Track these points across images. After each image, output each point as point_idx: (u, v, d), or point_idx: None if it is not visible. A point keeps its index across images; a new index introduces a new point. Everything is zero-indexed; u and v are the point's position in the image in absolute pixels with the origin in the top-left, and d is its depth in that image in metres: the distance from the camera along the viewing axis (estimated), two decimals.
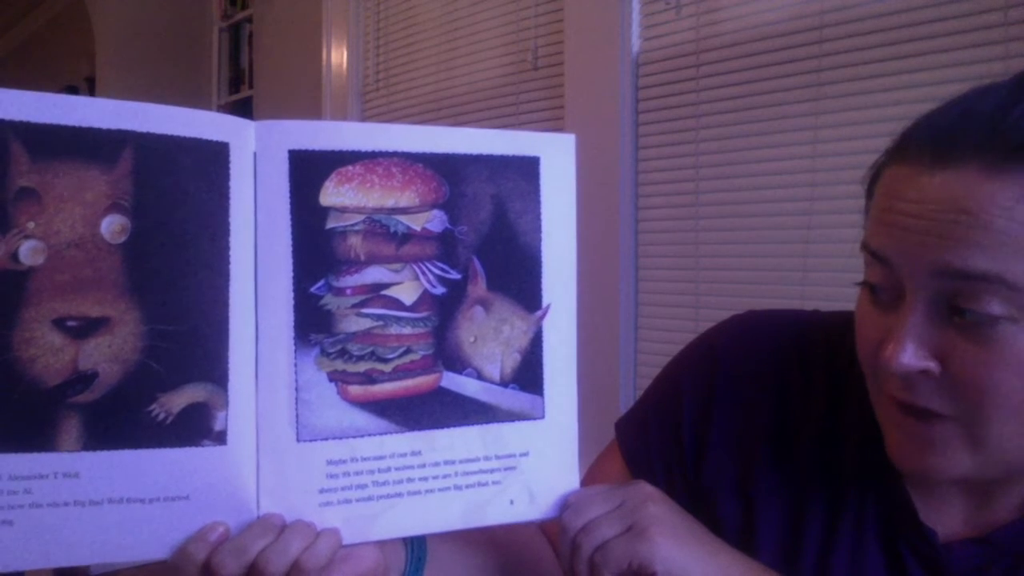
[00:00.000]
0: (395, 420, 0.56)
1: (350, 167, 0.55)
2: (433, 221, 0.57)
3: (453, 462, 0.58)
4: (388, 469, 0.56)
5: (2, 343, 0.47)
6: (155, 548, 0.51)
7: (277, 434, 0.54)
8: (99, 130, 0.49)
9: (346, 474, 0.55)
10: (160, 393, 0.50)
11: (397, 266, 0.56)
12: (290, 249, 0.54)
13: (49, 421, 0.48)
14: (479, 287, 0.58)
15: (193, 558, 0.51)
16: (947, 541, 0.60)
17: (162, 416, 0.50)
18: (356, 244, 0.55)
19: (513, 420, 0.60)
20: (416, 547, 0.61)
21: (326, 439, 0.55)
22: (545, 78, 2.22)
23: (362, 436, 0.56)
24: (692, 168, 1.87)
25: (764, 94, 1.73)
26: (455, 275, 0.58)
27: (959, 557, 0.59)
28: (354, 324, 0.55)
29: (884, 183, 0.55)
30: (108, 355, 0.49)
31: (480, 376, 0.59)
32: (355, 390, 0.55)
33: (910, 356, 0.51)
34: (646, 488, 0.59)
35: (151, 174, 0.50)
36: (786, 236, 1.71)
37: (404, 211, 0.56)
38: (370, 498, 0.56)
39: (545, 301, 0.60)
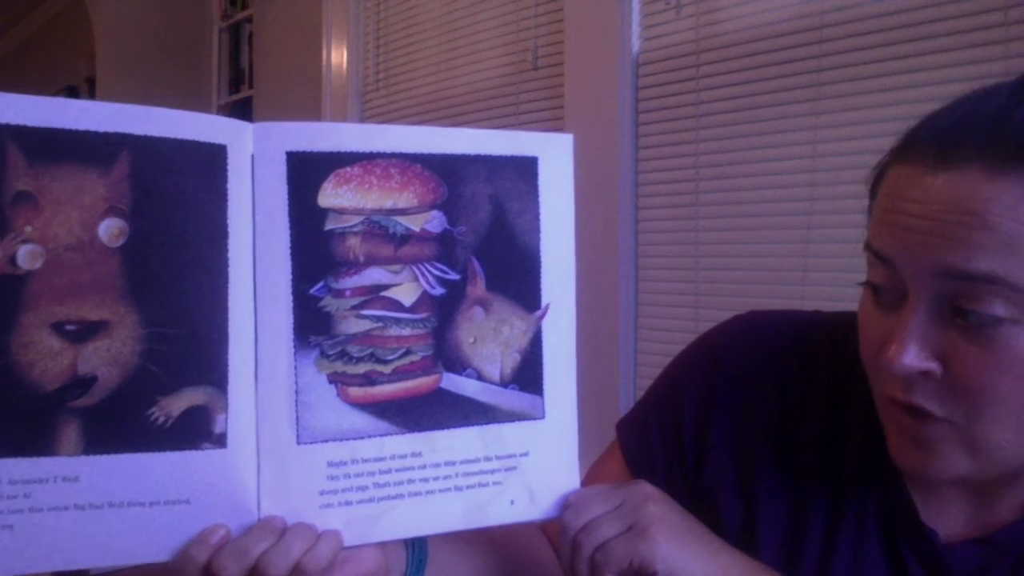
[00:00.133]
0: (395, 421, 0.56)
1: (348, 168, 0.55)
2: (432, 222, 0.57)
3: (453, 463, 0.58)
4: (389, 470, 0.56)
5: (0, 348, 0.47)
6: (156, 551, 0.51)
7: (277, 436, 0.54)
8: (96, 133, 0.49)
9: (347, 476, 0.55)
10: (160, 396, 0.50)
11: (396, 267, 0.56)
12: (289, 251, 0.53)
13: (48, 425, 0.48)
14: (478, 288, 0.58)
15: (194, 561, 0.51)
16: (948, 541, 0.60)
17: (162, 419, 0.50)
18: (355, 245, 0.55)
19: (513, 420, 0.60)
20: (417, 548, 0.61)
21: (326, 441, 0.55)
22: (545, 78, 2.22)
23: (362, 438, 0.56)
24: (692, 168, 1.87)
25: (764, 94, 1.73)
26: (454, 276, 0.58)
27: (960, 557, 0.59)
28: (353, 326, 0.55)
29: (887, 183, 0.55)
30: (107, 359, 0.49)
31: (480, 377, 0.59)
32: (355, 392, 0.55)
33: (912, 357, 0.51)
34: (647, 488, 0.59)
35: (149, 177, 0.50)
36: (786, 236, 1.71)
37: (403, 212, 0.56)
38: (371, 500, 0.56)
39: (544, 301, 0.60)
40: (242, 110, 3.57)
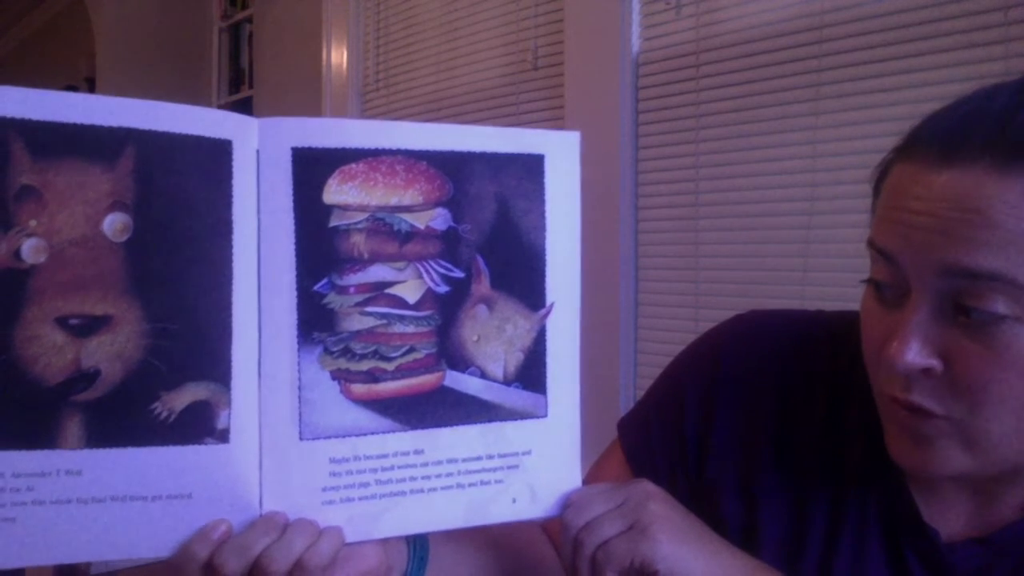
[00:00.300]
0: (398, 419, 0.56)
1: (353, 165, 0.55)
2: (437, 219, 0.57)
3: (456, 461, 0.58)
4: (391, 468, 0.56)
5: (4, 342, 0.47)
6: (157, 546, 0.51)
7: (280, 432, 0.54)
8: (101, 128, 0.49)
9: (349, 472, 0.55)
10: (162, 391, 0.50)
11: (400, 264, 0.56)
12: (293, 247, 0.53)
13: (52, 419, 0.48)
14: (483, 285, 0.58)
15: (195, 556, 0.51)
16: (950, 541, 0.60)
17: (164, 414, 0.50)
18: (359, 242, 0.55)
19: (516, 419, 0.60)
20: (418, 546, 0.61)
21: (329, 438, 0.55)
22: (545, 78, 2.22)
23: (365, 435, 0.56)
24: (692, 168, 1.87)
25: (764, 94, 1.73)
26: (459, 273, 0.58)
27: (962, 557, 0.59)
28: (357, 323, 0.55)
29: (891, 180, 0.55)
30: (110, 353, 0.49)
31: (483, 375, 0.59)
32: (358, 389, 0.55)
33: (914, 354, 0.51)
34: (648, 487, 0.59)
35: (153, 172, 0.50)
36: (786, 236, 1.71)
37: (408, 209, 0.56)
38: (373, 497, 0.56)
39: (549, 300, 0.60)
40: (242, 110, 3.56)
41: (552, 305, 0.61)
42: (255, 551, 0.51)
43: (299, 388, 0.54)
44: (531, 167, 0.59)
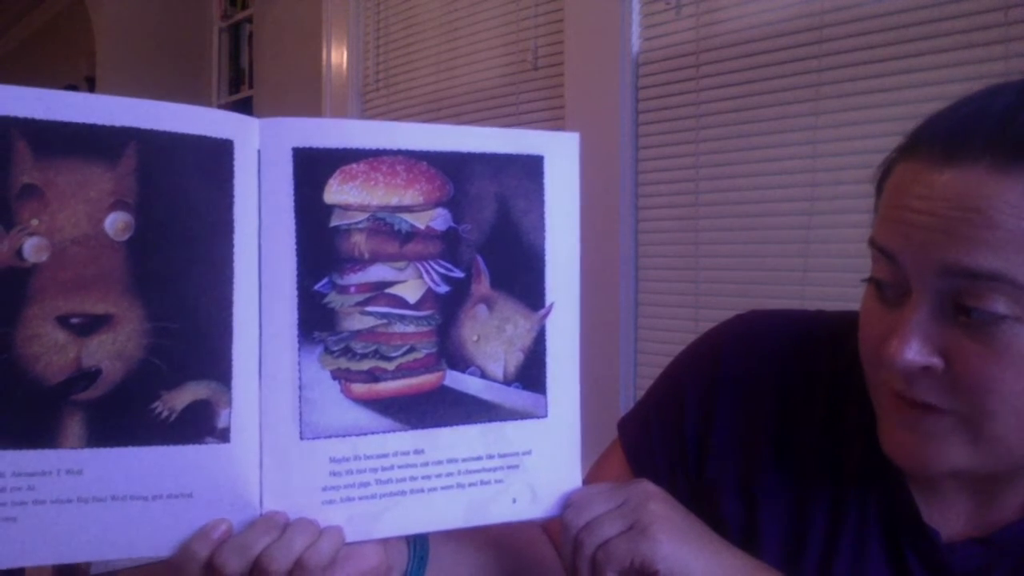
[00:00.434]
0: (398, 418, 0.56)
1: (354, 165, 0.55)
2: (437, 219, 0.57)
3: (456, 460, 0.58)
4: (391, 467, 0.56)
5: (5, 340, 0.47)
6: (158, 545, 0.51)
7: (280, 432, 0.54)
8: (103, 127, 0.49)
9: (349, 472, 0.55)
10: (163, 390, 0.50)
11: (401, 264, 0.56)
12: (294, 247, 0.53)
13: (52, 418, 0.48)
14: (483, 285, 0.58)
15: (196, 556, 0.51)
16: (950, 541, 0.60)
17: (165, 413, 0.50)
18: (360, 242, 0.55)
19: (516, 419, 0.60)
20: (419, 545, 0.61)
21: (329, 437, 0.55)
22: (545, 78, 2.22)
23: (365, 434, 0.56)
24: (692, 168, 1.87)
25: (764, 94, 1.73)
26: (459, 273, 0.58)
27: (962, 557, 0.59)
28: (358, 322, 0.55)
29: (893, 179, 0.55)
30: (111, 352, 0.49)
31: (483, 375, 0.59)
32: (358, 388, 0.55)
33: (914, 352, 0.52)
34: (648, 487, 0.59)
35: (155, 171, 0.50)
36: (786, 236, 1.71)
37: (408, 209, 0.56)
38: (373, 496, 0.56)
39: (548, 300, 0.60)
40: (242, 110, 3.56)
41: (552, 305, 0.61)
42: (255, 550, 0.51)
43: (299, 387, 0.54)
44: (531, 168, 0.59)
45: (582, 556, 0.56)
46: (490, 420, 0.59)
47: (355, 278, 0.55)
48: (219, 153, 0.51)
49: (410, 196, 0.56)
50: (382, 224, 0.55)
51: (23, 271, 0.47)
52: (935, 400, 0.53)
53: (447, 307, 0.58)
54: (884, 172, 0.57)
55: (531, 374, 0.60)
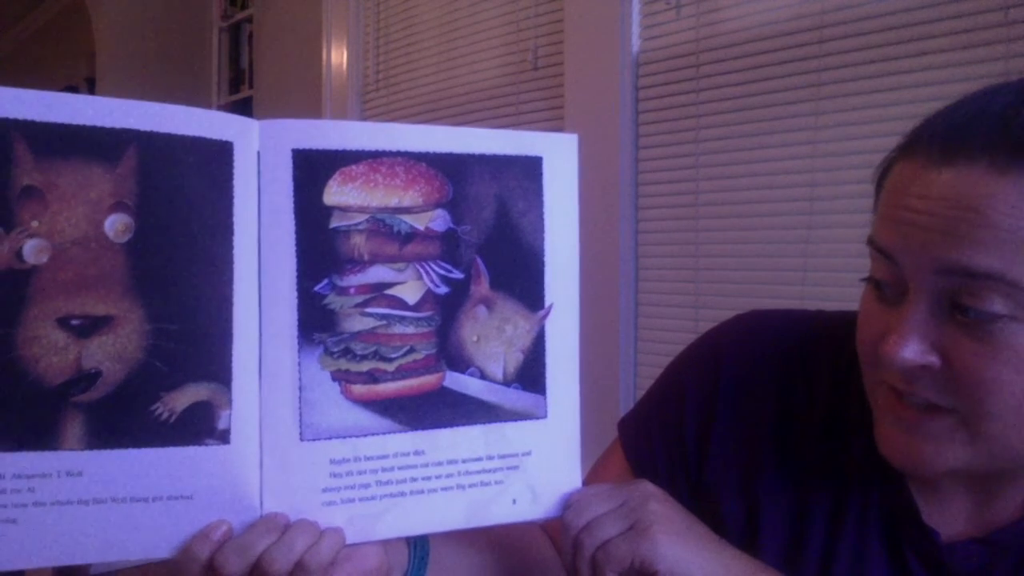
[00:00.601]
0: (398, 419, 0.57)
1: (354, 166, 0.55)
2: (436, 220, 0.57)
3: (456, 461, 0.58)
4: (391, 468, 0.56)
5: (6, 342, 0.47)
6: (158, 547, 0.51)
7: (280, 433, 0.54)
8: (103, 129, 0.49)
9: (349, 473, 0.55)
10: (163, 392, 0.50)
11: (400, 265, 0.56)
12: (294, 248, 0.54)
13: (53, 420, 0.48)
14: (482, 286, 0.58)
15: (196, 557, 0.51)
16: (950, 541, 0.60)
17: (165, 415, 0.51)
18: (360, 243, 0.55)
19: (516, 419, 0.60)
20: (419, 547, 0.61)
21: (329, 438, 0.55)
22: (545, 78, 2.22)
23: (365, 435, 0.56)
24: (692, 168, 1.87)
25: (764, 94, 1.73)
26: (458, 274, 0.58)
27: (962, 557, 0.59)
28: (357, 323, 0.55)
29: (892, 179, 0.55)
30: (111, 354, 0.49)
31: (483, 376, 0.59)
32: (358, 389, 0.55)
33: (912, 351, 0.52)
34: (648, 487, 0.59)
35: (155, 173, 0.50)
36: (786, 236, 1.71)
37: (408, 210, 0.56)
38: (373, 497, 0.56)
39: (548, 301, 0.61)
40: (242, 110, 3.56)
41: (551, 306, 0.61)
42: (256, 552, 0.51)
43: (300, 389, 0.54)
44: (530, 169, 0.60)
45: (582, 556, 0.56)
46: (490, 421, 0.59)
47: (355, 279, 0.55)
48: (219, 155, 0.52)
49: (409, 197, 0.56)
50: (382, 225, 0.55)
51: (23, 272, 0.48)
52: (933, 398, 0.53)
53: (447, 308, 0.58)
54: (883, 172, 0.57)
55: (531, 375, 0.60)
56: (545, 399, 0.61)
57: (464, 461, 0.59)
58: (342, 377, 0.55)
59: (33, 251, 0.48)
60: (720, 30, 1.81)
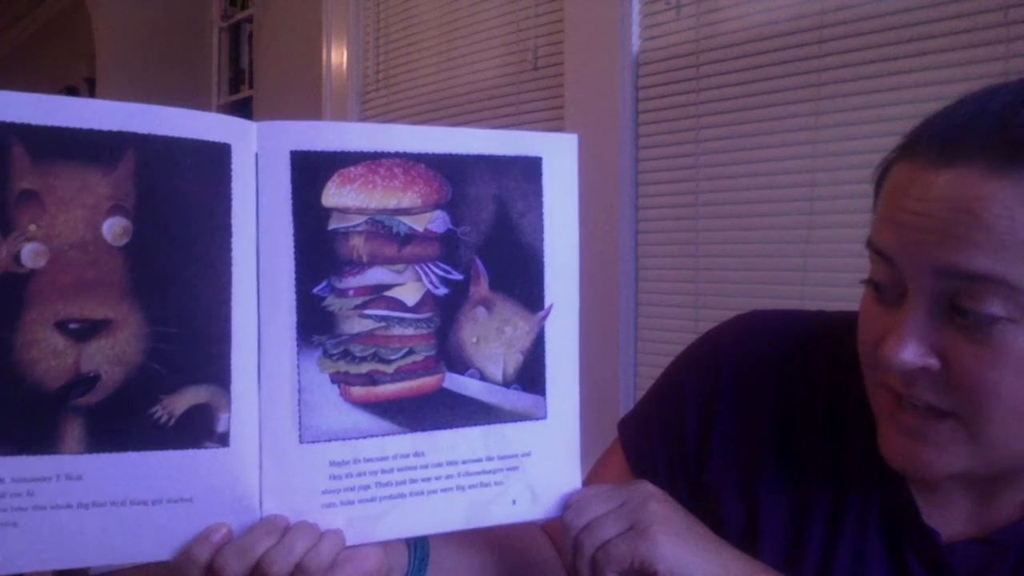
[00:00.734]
0: (397, 421, 0.56)
1: (352, 168, 0.55)
2: (435, 222, 0.57)
3: (456, 463, 0.58)
4: (391, 470, 0.56)
5: (4, 346, 0.47)
6: (158, 550, 0.51)
7: (280, 435, 0.54)
8: (100, 132, 0.49)
9: (349, 475, 0.55)
10: (163, 395, 0.50)
11: (399, 267, 0.56)
12: (292, 250, 0.53)
13: (52, 423, 0.48)
14: (481, 288, 0.58)
15: (196, 560, 0.51)
16: (950, 541, 0.60)
17: (165, 418, 0.50)
18: (358, 245, 0.55)
19: (515, 420, 0.60)
20: (419, 548, 0.61)
21: (329, 440, 0.55)
22: (545, 78, 2.22)
23: (365, 437, 0.56)
24: (692, 168, 1.87)
25: (764, 94, 1.73)
26: (457, 276, 0.58)
27: (962, 557, 0.59)
28: (356, 325, 0.55)
29: (891, 181, 0.55)
30: (110, 357, 0.49)
31: (482, 377, 0.59)
32: (357, 391, 0.55)
33: (911, 353, 0.52)
34: (648, 487, 0.59)
35: (153, 176, 0.50)
36: (786, 236, 1.71)
37: (406, 212, 0.56)
38: (373, 499, 0.56)
39: (547, 301, 0.61)
40: (242, 110, 3.56)
41: (551, 307, 0.61)
42: (256, 554, 0.51)
43: (299, 391, 0.54)
44: (529, 169, 0.59)
45: (582, 557, 0.56)
46: (490, 422, 0.59)
47: (354, 281, 0.55)
48: (217, 157, 0.51)
49: (408, 198, 0.56)
50: (380, 227, 0.55)
51: (21, 276, 0.47)
52: (932, 401, 0.53)
53: (446, 309, 0.58)
54: (882, 173, 0.57)
55: (530, 376, 0.60)
56: (545, 400, 0.61)
57: (464, 462, 0.58)
58: (341, 379, 0.55)
59: (31, 255, 0.48)
60: (720, 30, 1.81)
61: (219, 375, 0.52)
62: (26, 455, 0.48)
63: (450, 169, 0.57)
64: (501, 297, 0.59)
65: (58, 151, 0.48)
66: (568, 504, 0.60)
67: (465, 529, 0.59)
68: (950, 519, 0.61)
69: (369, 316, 0.56)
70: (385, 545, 0.58)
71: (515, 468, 0.60)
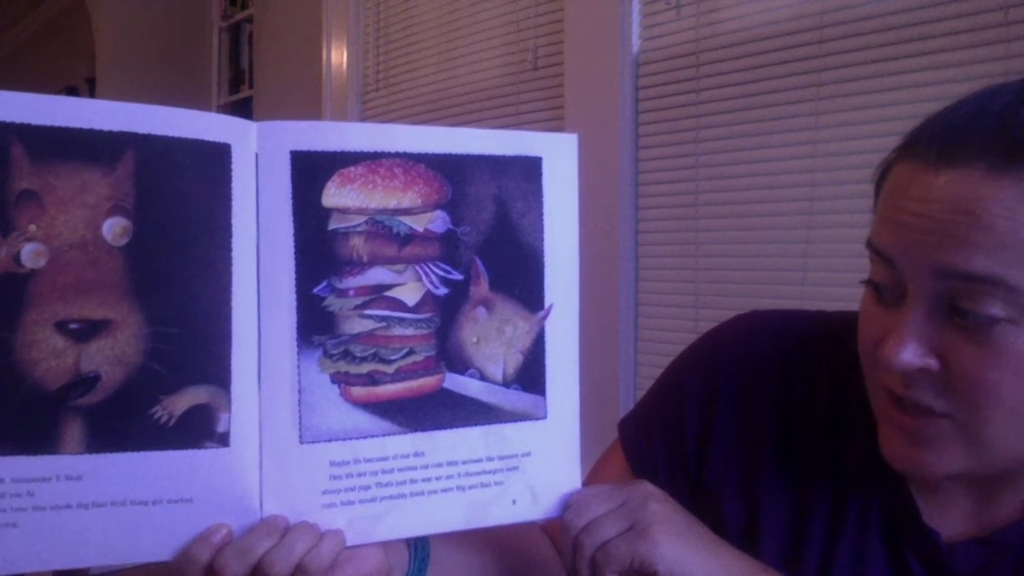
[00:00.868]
0: (398, 421, 0.56)
1: (352, 168, 0.55)
2: (435, 222, 0.57)
3: (456, 463, 0.58)
4: (391, 470, 0.56)
5: (4, 346, 0.47)
6: (158, 550, 0.51)
7: (280, 436, 0.54)
8: (100, 132, 0.49)
9: (349, 475, 0.55)
10: (163, 395, 0.50)
11: (399, 267, 0.56)
12: (292, 250, 0.53)
13: (52, 424, 0.48)
14: (482, 288, 0.58)
15: (196, 560, 0.51)
16: (950, 541, 0.60)
17: (165, 418, 0.50)
18: (358, 245, 0.55)
19: (515, 420, 0.60)
20: (419, 548, 0.61)
21: (329, 441, 0.55)
22: (545, 78, 2.22)
23: (365, 437, 0.56)
24: (692, 168, 1.87)
25: (764, 94, 1.73)
26: (457, 276, 0.58)
27: (962, 558, 0.59)
28: (357, 325, 0.55)
29: (891, 181, 0.55)
30: (110, 357, 0.49)
31: (482, 377, 0.59)
32: (358, 391, 0.55)
33: (910, 353, 0.52)
34: (648, 487, 0.59)
35: (153, 176, 0.50)
36: (786, 236, 1.71)
37: (406, 212, 0.56)
38: (373, 499, 0.56)
39: (547, 301, 0.60)
40: (242, 110, 3.56)
41: (551, 307, 0.61)
42: (256, 554, 0.51)
43: (299, 391, 0.54)
44: (529, 169, 0.59)
45: (582, 557, 0.56)
46: (490, 422, 0.59)
47: (354, 281, 0.55)
48: (217, 157, 0.51)
49: (408, 198, 0.56)
50: (380, 227, 0.55)
51: (21, 277, 0.47)
52: (932, 402, 0.53)
53: (446, 309, 0.58)
54: (882, 173, 0.57)
55: (530, 376, 0.60)
56: (545, 400, 0.61)
57: (464, 462, 0.58)
58: (341, 379, 0.55)
59: (31, 255, 0.47)
60: (720, 30, 1.81)
61: (219, 375, 0.52)
62: (26, 455, 0.48)
63: (450, 169, 0.57)
64: (501, 297, 0.59)
65: (58, 151, 0.48)
66: (568, 504, 0.60)
67: (465, 529, 0.59)
68: (950, 519, 0.61)
69: (369, 316, 0.56)
70: (385, 545, 0.58)
71: (515, 468, 0.60)
